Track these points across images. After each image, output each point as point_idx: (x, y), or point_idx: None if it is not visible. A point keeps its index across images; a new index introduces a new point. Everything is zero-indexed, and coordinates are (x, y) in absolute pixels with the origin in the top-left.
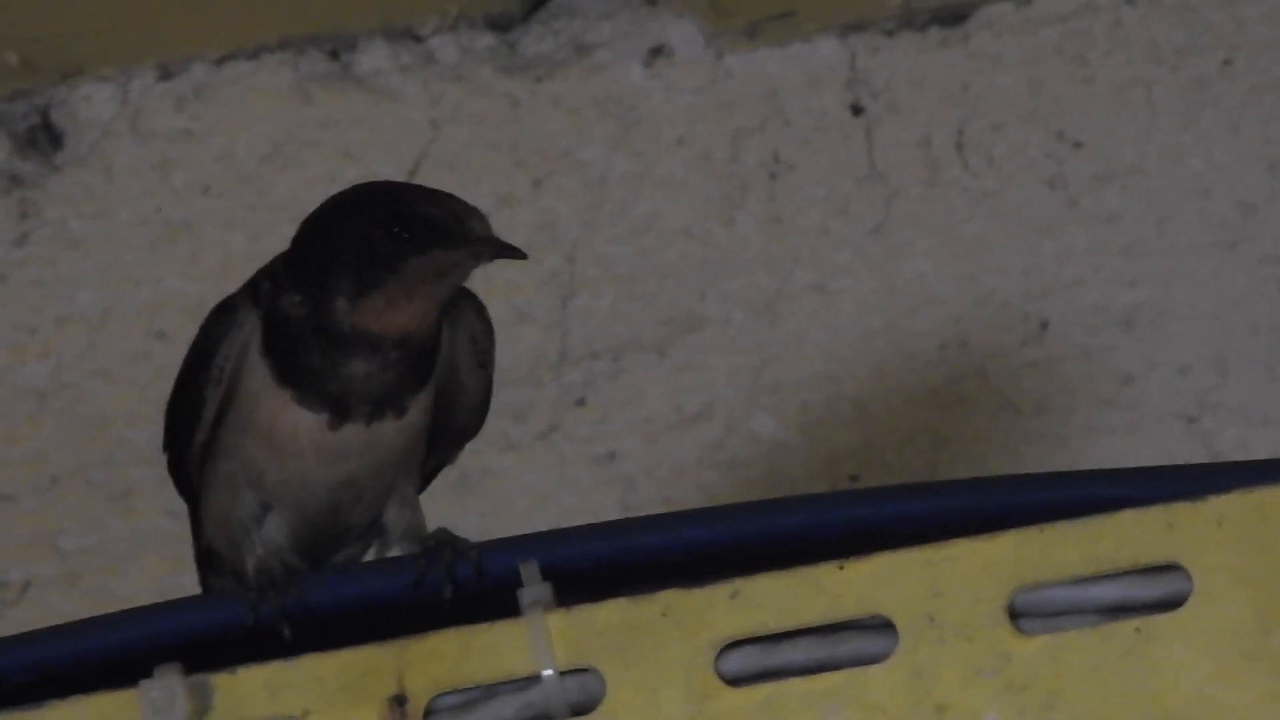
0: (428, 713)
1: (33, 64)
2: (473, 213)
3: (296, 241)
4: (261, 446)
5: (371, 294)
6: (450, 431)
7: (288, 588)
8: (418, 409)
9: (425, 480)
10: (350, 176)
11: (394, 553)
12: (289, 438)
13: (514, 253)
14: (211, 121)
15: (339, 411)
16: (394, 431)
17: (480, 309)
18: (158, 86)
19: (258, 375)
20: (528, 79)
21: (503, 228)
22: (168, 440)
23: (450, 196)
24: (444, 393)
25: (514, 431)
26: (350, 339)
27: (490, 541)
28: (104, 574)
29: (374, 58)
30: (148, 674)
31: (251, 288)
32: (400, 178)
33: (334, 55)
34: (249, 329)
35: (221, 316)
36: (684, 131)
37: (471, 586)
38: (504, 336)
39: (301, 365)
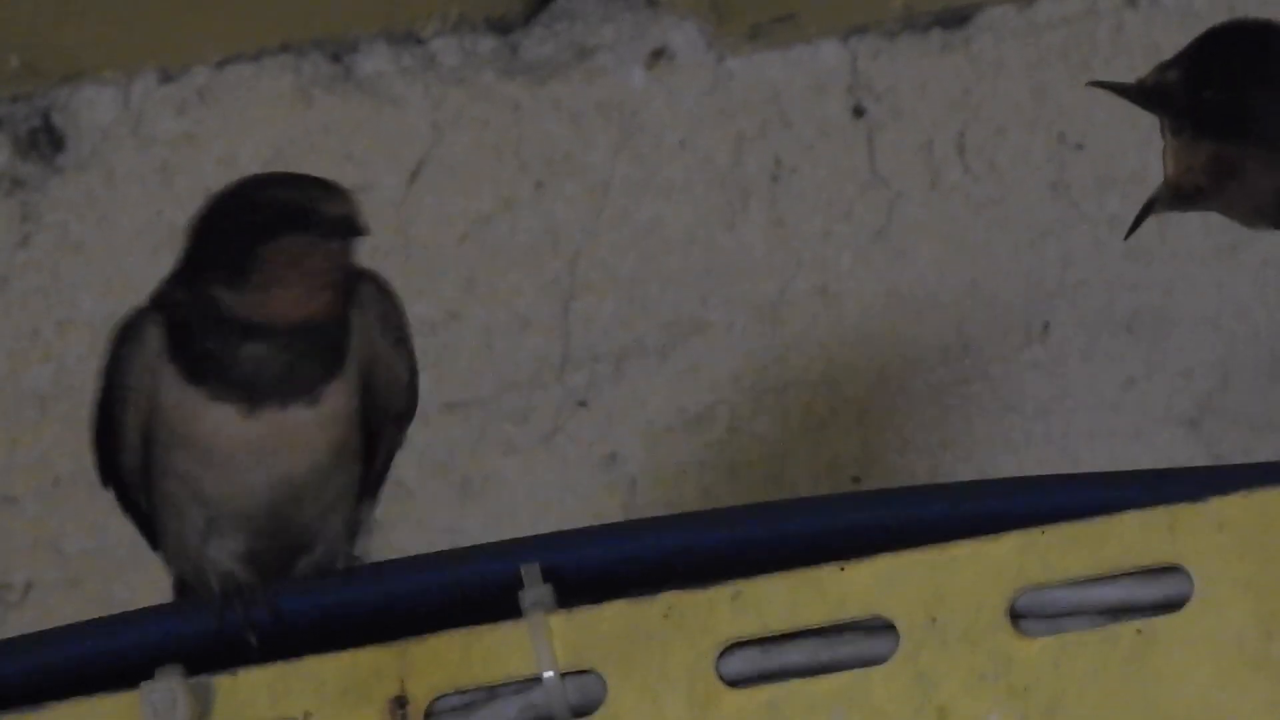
0: (429, 714)
1: (34, 67)
2: (332, 194)
3: (184, 241)
4: (191, 457)
5: (243, 284)
6: (387, 415)
7: (254, 597)
8: (336, 398)
9: (379, 475)
10: (352, 180)
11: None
12: (210, 438)
13: (359, 231)
14: (213, 125)
15: (249, 398)
16: (315, 423)
17: (383, 287)
18: (159, 90)
19: (169, 381)
20: (529, 82)
21: (505, 231)
22: (100, 474)
23: (310, 180)
24: (370, 378)
25: (516, 434)
26: (242, 327)
27: (492, 543)
28: (106, 577)
29: (375, 61)
30: (149, 676)
31: (156, 297)
32: (402, 182)
33: (335, 58)
34: (150, 338)
35: (121, 334)
36: (686, 135)
37: (268, 628)
38: (506, 340)
39: (206, 358)
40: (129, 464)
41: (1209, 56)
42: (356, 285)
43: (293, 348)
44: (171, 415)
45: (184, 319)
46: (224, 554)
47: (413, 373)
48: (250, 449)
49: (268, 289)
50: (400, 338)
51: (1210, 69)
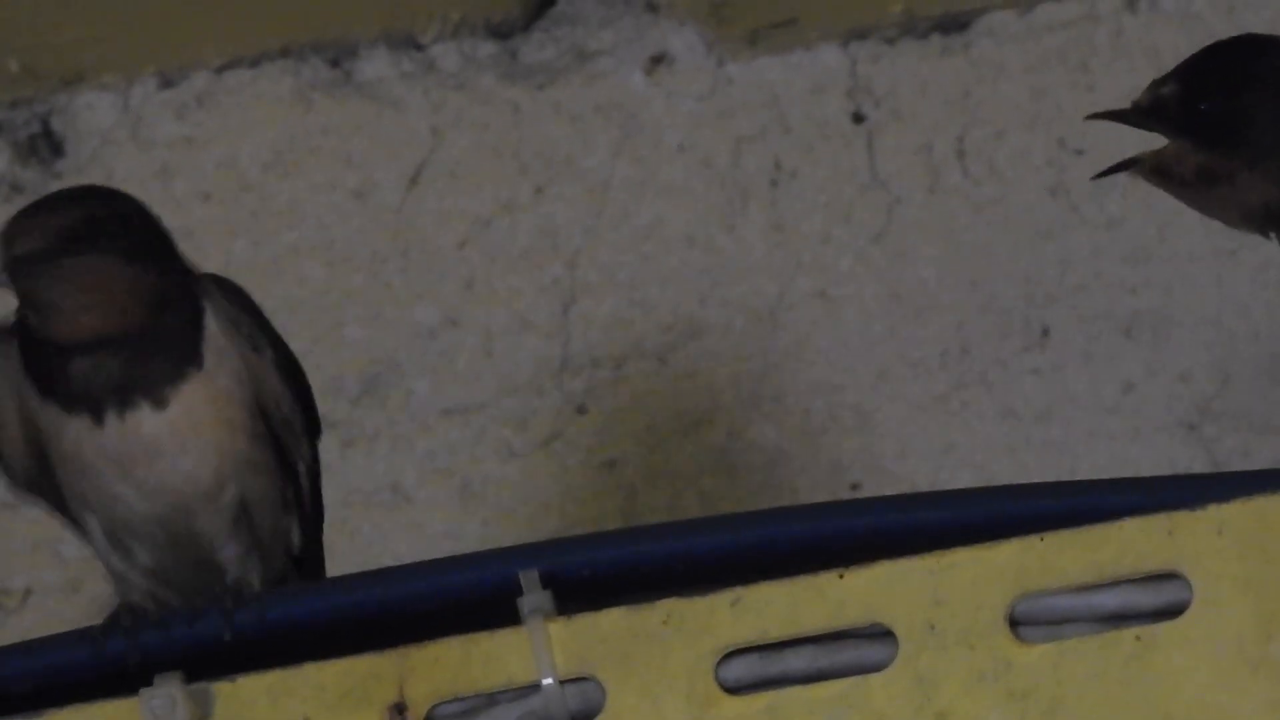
0: None
1: (34, 71)
2: (7, 233)
3: None
4: (71, 473)
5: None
6: (283, 426)
7: (145, 621)
8: (190, 401)
9: (309, 493)
10: (351, 184)
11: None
12: (75, 450)
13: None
14: (213, 129)
15: (93, 407)
16: (169, 427)
17: (231, 294)
18: (159, 94)
19: (33, 400)
20: (529, 86)
21: (504, 234)
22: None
23: (15, 217)
24: (252, 386)
25: (515, 439)
26: (56, 345)
27: (491, 549)
28: (106, 582)
29: (375, 65)
30: (148, 682)
31: (12, 319)
32: (402, 185)
33: (335, 63)
34: (5, 359)
35: None
36: (685, 139)
37: (254, 633)
38: (506, 344)
39: (51, 374)
40: (21, 480)
41: (1207, 69)
42: (203, 292)
43: (120, 356)
44: (44, 434)
45: (27, 337)
46: (131, 569)
47: (288, 379)
48: (110, 457)
49: (36, 317)
50: (256, 345)
51: (1208, 81)
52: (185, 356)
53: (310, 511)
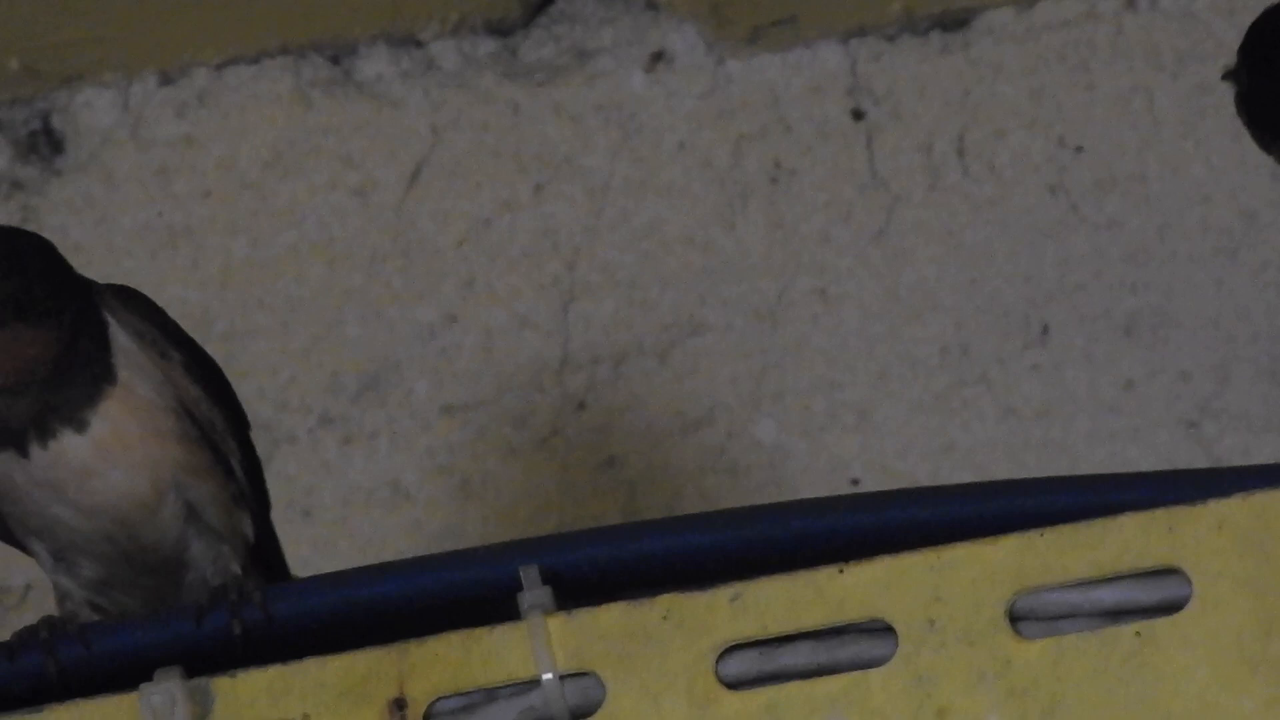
0: (428, 716)
1: (34, 70)
2: None
3: None
4: (9, 504)
5: None
6: (209, 428)
7: (54, 639)
8: (110, 420)
9: (254, 492)
10: (351, 182)
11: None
12: (8, 485)
13: None
14: (212, 127)
15: (16, 442)
16: (93, 448)
17: (134, 304)
18: (159, 92)
19: None
20: (529, 85)
21: (504, 234)
22: None
23: None
24: (175, 390)
25: (515, 437)
26: None
27: (491, 545)
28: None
29: (375, 64)
30: (148, 678)
31: None
32: (402, 184)
33: (335, 61)
34: None
35: None
36: (685, 137)
37: (260, 630)
38: (505, 342)
39: None
40: None
41: (1251, 43)
42: (106, 306)
43: (33, 388)
44: None
45: None
46: (76, 585)
47: (200, 381)
48: (43, 485)
49: None
50: (164, 352)
51: (1247, 55)
52: (98, 375)
53: (255, 504)
